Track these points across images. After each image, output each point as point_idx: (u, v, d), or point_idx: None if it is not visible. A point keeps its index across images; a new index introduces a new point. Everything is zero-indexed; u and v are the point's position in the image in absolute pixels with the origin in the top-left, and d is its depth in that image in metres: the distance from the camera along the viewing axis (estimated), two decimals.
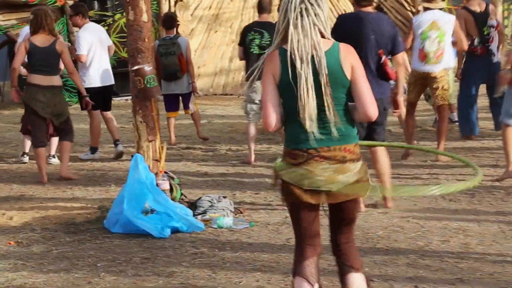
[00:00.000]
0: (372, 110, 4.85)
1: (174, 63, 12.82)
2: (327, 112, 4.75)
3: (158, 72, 12.95)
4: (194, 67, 13.45)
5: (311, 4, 4.78)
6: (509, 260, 6.79)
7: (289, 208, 5.02)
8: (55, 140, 11.76)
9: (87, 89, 11.69)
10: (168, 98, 13.21)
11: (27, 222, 8.59)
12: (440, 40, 10.94)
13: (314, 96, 4.73)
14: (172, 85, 13.07)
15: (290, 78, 4.74)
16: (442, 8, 11.26)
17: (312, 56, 4.73)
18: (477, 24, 12.08)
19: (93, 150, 12.26)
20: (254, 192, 9.64)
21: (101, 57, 12.05)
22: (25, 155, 12.07)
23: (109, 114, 12.37)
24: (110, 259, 7.21)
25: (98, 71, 11.95)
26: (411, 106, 11.41)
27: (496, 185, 9.47)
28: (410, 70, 11.94)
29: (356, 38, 8.01)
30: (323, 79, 4.73)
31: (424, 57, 10.90)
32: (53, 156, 11.97)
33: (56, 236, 8.04)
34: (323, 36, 4.81)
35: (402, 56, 8.82)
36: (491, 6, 12.81)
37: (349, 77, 4.80)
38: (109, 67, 12.25)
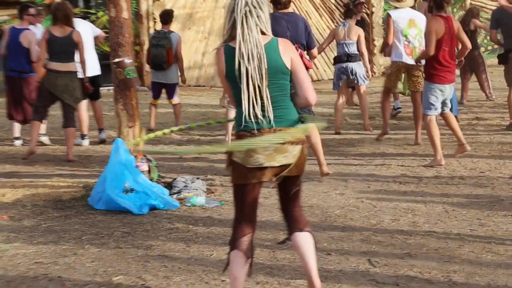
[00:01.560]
0: (311, 95, 4.97)
1: (162, 54, 12.87)
2: (265, 100, 4.84)
3: (148, 61, 13.04)
4: (183, 62, 13.43)
5: (254, 7, 4.87)
6: (452, 237, 6.84)
7: (235, 187, 5.07)
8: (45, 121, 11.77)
9: None
10: (154, 85, 13.31)
11: (18, 198, 8.56)
12: (419, 37, 11.05)
13: (255, 87, 4.82)
14: (159, 74, 13.10)
15: (235, 71, 4.83)
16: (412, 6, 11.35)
17: (256, 52, 4.82)
18: None
19: (82, 136, 12.17)
20: (225, 174, 9.64)
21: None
22: (17, 139, 12.00)
23: (96, 103, 12.24)
24: (93, 233, 7.21)
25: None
26: (387, 92, 11.47)
27: (441, 170, 9.53)
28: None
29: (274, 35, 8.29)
30: (263, 71, 4.81)
31: (411, 52, 11.00)
32: (44, 134, 11.93)
33: (45, 211, 8.03)
34: (263, 34, 4.90)
35: (315, 51, 9.20)
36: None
37: (289, 67, 4.91)
38: (93, 58, 12.12)
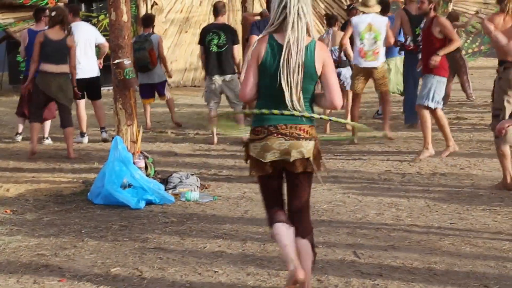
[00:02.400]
0: (338, 99, 4.88)
1: (145, 56, 12.84)
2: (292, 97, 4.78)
3: (134, 65, 12.97)
4: (166, 60, 13.50)
5: (305, 4, 4.81)
6: (433, 230, 6.85)
7: (258, 179, 5.07)
8: (48, 123, 11.72)
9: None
10: (142, 87, 13.21)
11: (21, 193, 8.54)
12: (376, 39, 11.05)
13: (293, 83, 4.76)
14: (145, 76, 13.07)
15: (279, 63, 4.76)
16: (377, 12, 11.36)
17: (299, 50, 4.76)
18: (411, 25, 12.11)
19: (82, 134, 12.12)
20: (218, 171, 9.64)
21: (86, 52, 11.86)
22: (18, 135, 11.98)
23: (97, 102, 12.18)
24: (92, 226, 7.19)
25: (82, 64, 11.76)
26: (356, 96, 11.42)
27: (423, 166, 9.54)
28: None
29: None
30: (297, 70, 4.76)
31: (364, 55, 11.02)
32: (47, 138, 11.89)
33: (47, 206, 8.01)
34: (308, 33, 4.84)
35: None
36: None
37: (319, 72, 4.84)
38: (94, 61, 12.06)
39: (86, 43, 11.83)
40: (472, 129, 12.26)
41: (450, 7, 20.84)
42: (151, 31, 13.33)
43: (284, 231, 4.95)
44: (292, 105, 4.78)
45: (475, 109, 14.48)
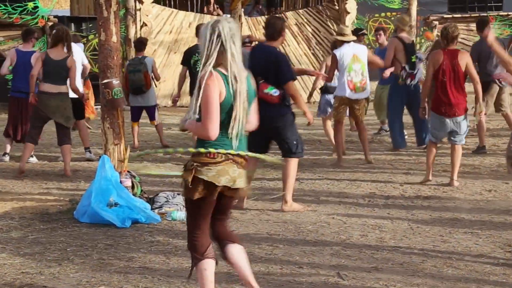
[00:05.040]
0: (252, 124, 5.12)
1: (140, 79, 12.98)
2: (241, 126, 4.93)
3: (126, 87, 12.90)
4: (160, 79, 13.84)
5: (236, 32, 4.86)
6: (416, 252, 6.84)
7: (195, 202, 4.98)
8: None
9: None
10: (134, 109, 13.32)
11: (7, 211, 8.48)
12: (362, 71, 11.03)
13: (245, 111, 4.91)
14: (139, 98, 13.16)
15: (232, 98, 4.82)
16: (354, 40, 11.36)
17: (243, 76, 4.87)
18: (407, 53, 11.94)
19: None
20: None
21: None
22: (6, 155, 11.88)
23: (81, 122, 12.10)
24: (78, 244, 7.15)
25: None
26: (340, 124, 11.39)
27: (407, 189, 9.54)
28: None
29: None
30: (245, 100, 4.89)
31: (354, 87, 11.01)
32: (31, 156, 11.82)
33: (32, 224, 7.95)
34: None
35: (291, 86, 8.22)
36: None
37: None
38: (78, 81, 11.97)
39: None
40: None
41: (435, 33, 21.00)
42: (144, 54, 13.44)
43: (213, 268, 5.09)
44: (237, 133, 4.89)
45: None
